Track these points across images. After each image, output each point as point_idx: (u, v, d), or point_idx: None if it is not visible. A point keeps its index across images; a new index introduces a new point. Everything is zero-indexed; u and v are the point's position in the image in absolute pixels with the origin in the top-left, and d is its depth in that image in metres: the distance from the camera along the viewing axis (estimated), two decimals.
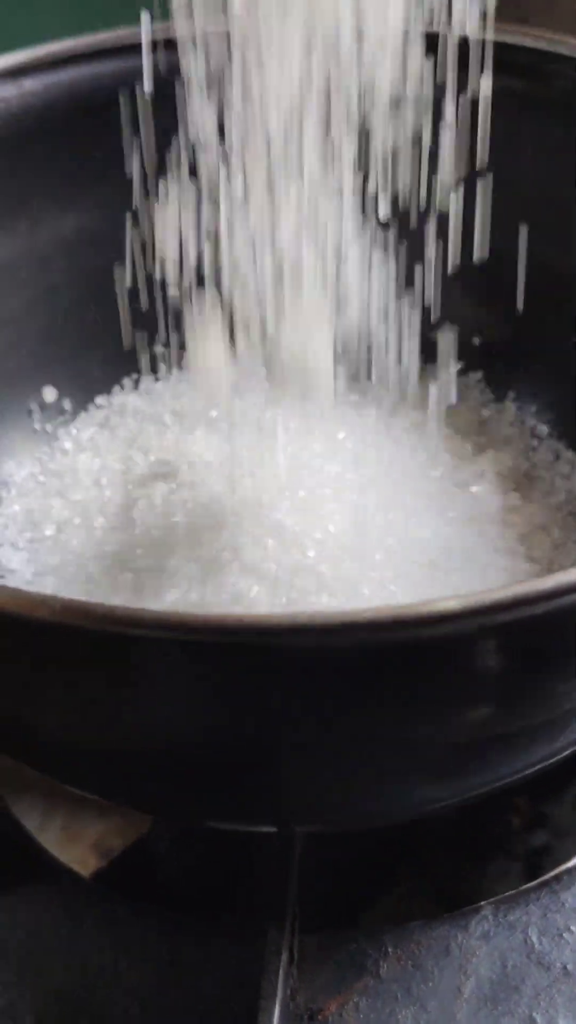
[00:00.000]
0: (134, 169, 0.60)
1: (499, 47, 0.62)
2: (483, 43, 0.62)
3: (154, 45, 0.64)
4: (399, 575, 0.53)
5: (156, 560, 0.55)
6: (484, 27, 0.61)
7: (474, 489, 0.61)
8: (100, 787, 0.51)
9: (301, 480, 0.55)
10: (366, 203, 0.53)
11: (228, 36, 0.48)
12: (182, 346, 0.57)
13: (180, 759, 0.42)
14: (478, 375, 0.69)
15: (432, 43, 0.51)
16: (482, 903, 0.54)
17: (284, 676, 0.37)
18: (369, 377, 0.57)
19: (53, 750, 0.46)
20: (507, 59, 0.63)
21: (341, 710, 0.39)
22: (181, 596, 0.53)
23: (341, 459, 0.57)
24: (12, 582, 0.59)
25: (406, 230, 0.56)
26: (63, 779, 0.52)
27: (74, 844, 0.61)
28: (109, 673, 0.38)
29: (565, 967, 0.52)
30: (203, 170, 0.52)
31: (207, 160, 0.52)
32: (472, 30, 0.61)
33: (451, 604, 0.35)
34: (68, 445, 0.68)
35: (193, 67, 0.51)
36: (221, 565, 0.53)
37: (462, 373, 0.69)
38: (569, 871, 0.55)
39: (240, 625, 0.35)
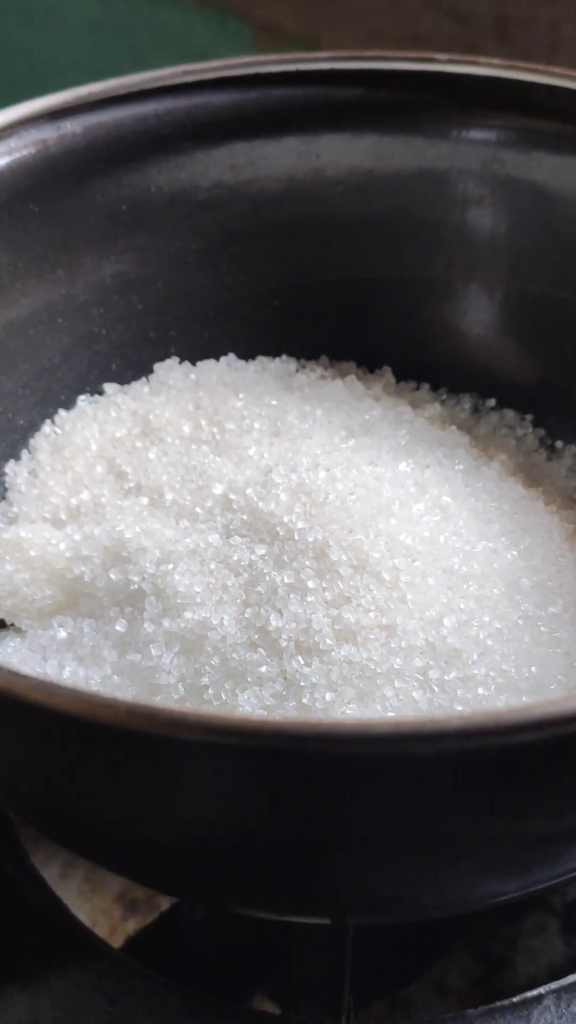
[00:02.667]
0: None
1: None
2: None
3: (187, 87, 0.63)
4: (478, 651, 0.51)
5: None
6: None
7: None
8: (157, 881, 0.49)
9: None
10: None
11: None
12: None
13: (243, 856, 0.40)
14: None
15: None
16: (542, 990, 0.51)
17: (361, 782, 0.35)
18: None
19: (108, 844, 0.44)
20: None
21: (415, 814, 0.37)
22: (255, 697, 0.50)
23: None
24: None
25: None
26: (114, 869, 0.50)
27: (96, 896, 0.60)
28: (174, 776, 0.36)
29: None
30: None
31: None
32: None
33: (547, 710, 0.33)
34: None
35: None
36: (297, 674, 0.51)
37: None
38: None
39: (323, 733, 0.33)
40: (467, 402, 0.67)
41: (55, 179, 0.62)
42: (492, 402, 0.67)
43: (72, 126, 0.62)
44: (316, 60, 0.64)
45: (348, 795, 0.36)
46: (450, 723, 0.32)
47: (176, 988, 0.52)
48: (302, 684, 0.50)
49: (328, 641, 0.51)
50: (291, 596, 0.52)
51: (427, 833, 0.38)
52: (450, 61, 0.62)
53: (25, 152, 0.61)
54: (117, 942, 0.60)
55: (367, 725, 0.33)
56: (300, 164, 0.66)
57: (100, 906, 0.62)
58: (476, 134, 0.64)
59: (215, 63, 0.63)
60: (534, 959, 0.61)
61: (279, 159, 0.65)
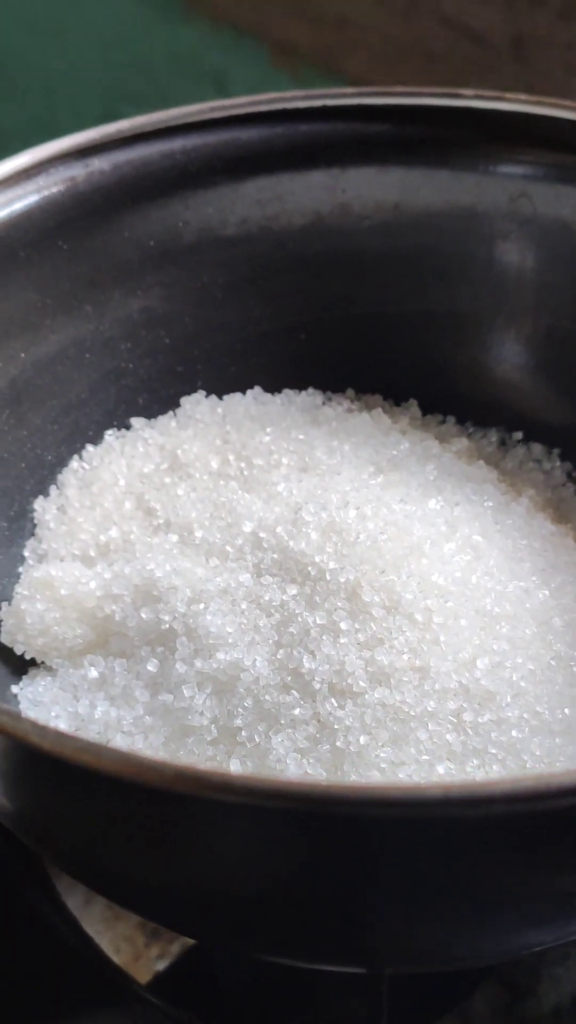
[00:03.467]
0: None
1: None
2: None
3: (214, 123, 0.63)
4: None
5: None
6: None
7: None
8: (196, 931, 0.50)
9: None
10: None
11: None
12: None
13: (284, 910, 0.40)
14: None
15: None
16: None
17: (407, 843, 0.35)
18: None
19: (145, 895, 0.44)
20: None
21: (459, 871, 0.37)
22: (288, 740, 0.50)
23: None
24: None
25: None
26: (149, 917, 0.50)
27: (119, 923, 0.59)
28: (220, 836, 0.36)
29: None
30: None
31: None
32: None
33: None
34: None
35: None
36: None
37: None
38: None
39: (373, 798, 0.33)
40: (494, 435, 0.67)
41: (84, 216, 0.62)
42: (519, 435, 0.67)
43: (100, 163, 0.62)
44: (343, 96, 0.64)
45: (393, 854, 0.36)
46: (498, 787, 0.32)
47: None
48: (336, 727, 0.50)
49: (362, 683, 0.51)
50: (324, 637, 0.52)
51: (470, 890, 0.38)
52: (477, 96, 0.62)
53: (55, 190, 0.61)
54: (140, 970, 0.60)
55: (418, 792, 0.33)
56: (326, 199, 0.66)
57: (123, 933, 0.61)
58: (503, 169, 0.64)
59: (242, 99, 0.63)
60: (557, 987, 0.61)
61: (305, 194, 0.66)
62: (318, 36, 0.97)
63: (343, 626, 0.52)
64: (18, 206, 0.60)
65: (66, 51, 1.15)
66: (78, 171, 0.61)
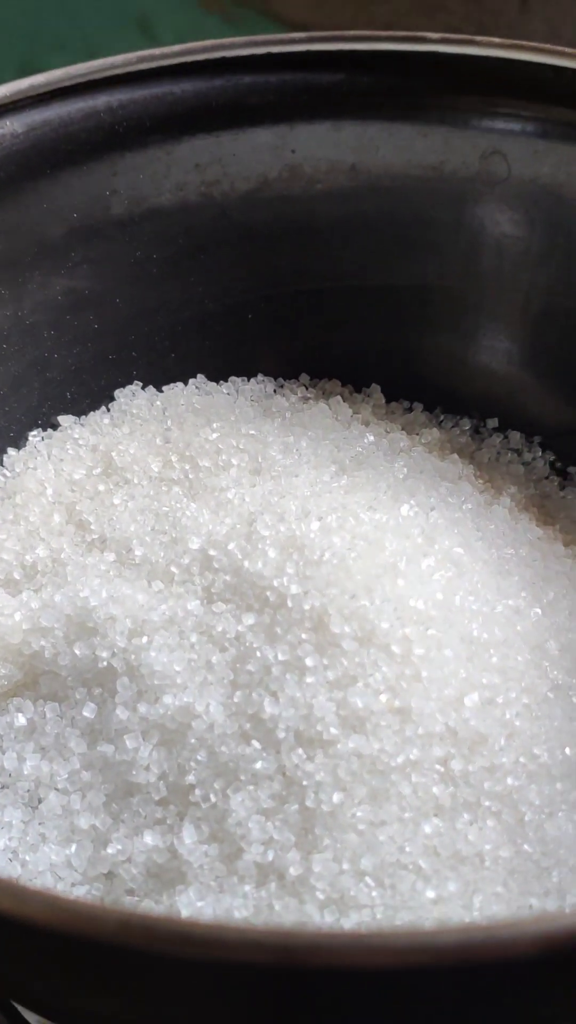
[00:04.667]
0: None
1: None
2: None
3: (144, 75, 0.56)
4: None
5: None
6: None
7: None
8: None
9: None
10: None
11: None
12: None
13: None
14: None
15: None
16: None
17: (401, 994, 0.28)
18: None
19: None
20: None
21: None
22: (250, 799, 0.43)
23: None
24: None
25: None
26: None
27: None
28: (179, 992, 0.29)
29: None
30: None
31: None
32: None
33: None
34: None
35: None
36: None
37: None
38: None
39: (368, 947, 0.25)
40: (467, 424, 0.60)
41: None
42: (494, 422, 0.60)
43: (13, 124, 0.54)
44: (290, 43, 0.56)
45: (387, 1007, 0.29)
46: (528, 928, 0.25)
47: None
48: (305, 783, 0.44)
49: (333, 731, 0.44)
50: (287, 676, 0.45)
51: None
52: (443, 41, 0.55)
53: None
54: None
55: (423, 937, 0.26)
56: (273, 160, 0.59)
57: None
58: (474, 123, 0.57)
59: (175, 47, 0.56)
60: None
61: (250, 155, 0.58)
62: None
63: (309, 662, 0.45)
64: None
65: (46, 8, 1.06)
66: None
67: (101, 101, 0.56)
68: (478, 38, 0.55)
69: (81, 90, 0.55)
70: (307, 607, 0.46)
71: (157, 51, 0.56)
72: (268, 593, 0.47)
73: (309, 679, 0.45)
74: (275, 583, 0.47)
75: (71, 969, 0.30)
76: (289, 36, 0.56)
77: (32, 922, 0.27)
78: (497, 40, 0.55)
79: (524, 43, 0.54)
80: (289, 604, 0.47)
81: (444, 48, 0.55)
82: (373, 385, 0.61)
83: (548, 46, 0.54)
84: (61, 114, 0.55)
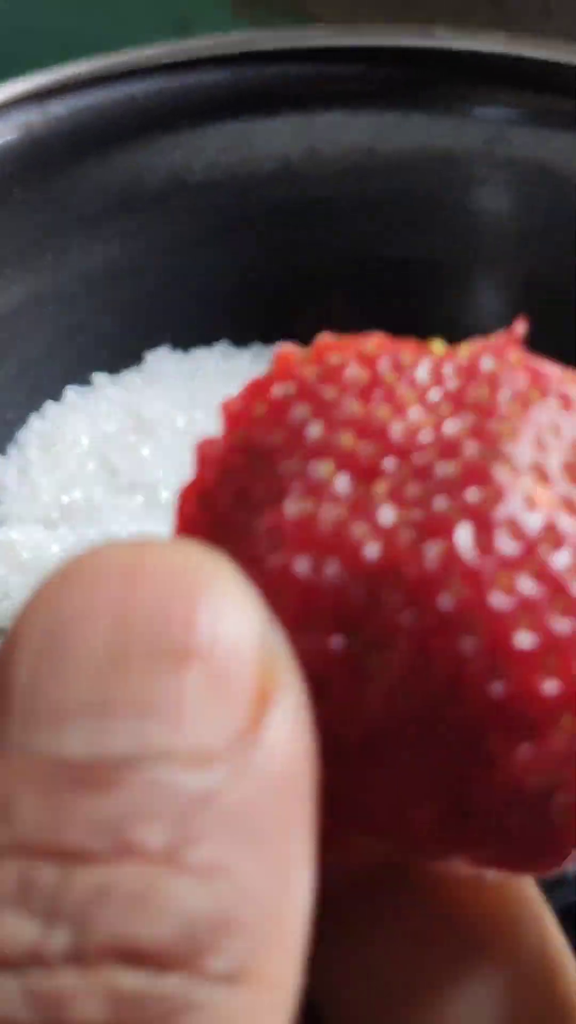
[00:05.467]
0: None
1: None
2: None
3: (178, 65, 0.61)
4: None
5: None
6: None
7: None
8: None
9: None
10: None
11: None
12: None
13: None
14: None
15: None
16: None
17: None
18: None
19: None
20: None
21: None
22: None
23: None
24: None
25: None
26: None
27: None
28: None
29: None
30: None
31: None
32: None
33: None
34: None
35: None
36: None
37: None
38: None
39: None
40: None
41: (41, 163, 0.59)
42: None
43: (58, 108, 0.59)
44: (312, 36, 0.61)
45: None
46: None
47: None
48: None
49: None
50: None
51: None
52: (453, 36, 0.60)
53: (10, 137, 0.58)
54: None
55: None
56: (295, 143, 0.63)
57: None
58: (480, 111, 0.61)
59: (207, 40, 0.61)
60: None
61: (274, 138, 0.63)
62: None
63: None
64: None
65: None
66: (35, 116, 0.59)
67: (139, 88, 0.61)
68: (486, 33, 0.60)
69: (121, 77, 0.60)
70: None
71: (190, 44, 0.61)
72: None
73: None
74: None
75: None
76: (311, 31, 0.61)
77: None
78: (501, 36, 0.59)
79: (524, 38, 0.59)
80: None
81: (452, 43, 0.60)
82: None
83: (546, 41, 0.59)
84: (102, 99, 0.60)
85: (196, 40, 0.61)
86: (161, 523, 0.55)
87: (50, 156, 0.60)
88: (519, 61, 0.60)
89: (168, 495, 0.56)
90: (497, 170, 0.62)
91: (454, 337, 0.64)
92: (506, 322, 0.61)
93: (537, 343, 0.61)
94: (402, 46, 0.61)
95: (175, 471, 0.57)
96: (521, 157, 0.61)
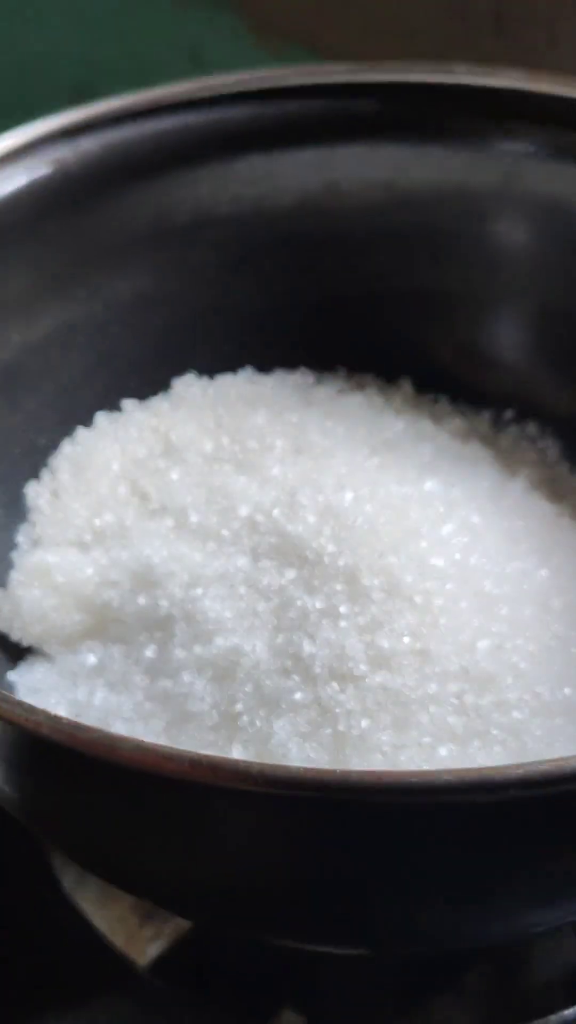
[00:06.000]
0: None
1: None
2: None
3: (203, 101, 0.63)
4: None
5: None
6: None
7: None
8: (192, 911, 0.50)
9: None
10: None
11: None
12: None
13: (286, 894, 0.40)
14: None
15: None
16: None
17: (420, 828, 0.36)
18: None
19: (152, 881, 0.45)
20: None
21: (469, 855, 0.37)
22: (290, 724, 0.50)
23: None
24: None
25: None
26: (146, 898, 0.51)
27: (112, 904, 0.60)
28: (232, 824, 0.37)
29: None
30: None
31: None
32: None
33: None
34: None
35: None
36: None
37: None
38: None
39: (389, 785, 0.33)
40: (487, 414, 0.67)
41: (73, 197, 0.61)
42: (510, 413, 0.67)
43: (89, 143, 0.61)
44: (333, 73, 0.63)
45: (405, 838, 0.36)
46: (512, 774, 0.33)
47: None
48: (337, 711, 0.50)
49: (362, 667, 0.51)
50: (323, 622, 0.52)
51: (480, 873, 0.38)
52: (469, 72, 0.62)
53: (44, 171, 0.60)
54: (135, 953, 0.60)
55: (431, 777, 0.33)
56: (316, 177, 0.65)
57: (116, 914, 0.61)
58: (495, 146, 0.63)
59: (231, 78, 0.63)
60: (549, 961, 0.61)
61: (295, 173, 0.65)
62: (297, 10, 0.96)
63: (343, 610, 0.52)
64: (7, 188, 0.60)
65: (40, 29, 1.13)
66: (67, 152, 0.61)
67: (167, 123, 0.63)
68: (500, 70, 0.62)
69: (149, 113, 0.62)
70: (341, 563, 0.53)
71: (215, 80, 0.63)
72: (307, 552, 0.54)
73: (342, 623, 0.52)
74: (313, 543, 0.54)
75: (149, 805, 0.37)
76: (331, 67, 0.63)
77: (127, 765, 0.34)
78: (516, 72, 0.61)
79: (540, 74, 0.61)
80: (326, 561, 0.53)
81: (469, 80, 0.62)
82: (403, 378, 0.68)
83: (561, 77, 0.61)
84: (131, 134, 0.62)
85: (219, 77, 0.63)
86: (192, 546, 0.56)
87: (81, 190, 0.62)
88: (534, 97, 0.62)
89: (198, 518, 0.58)
90: (512, 203, 0.64)
91: (469, 366, 0.67)
92: (520, 352, 0.64)
93: (551, 373, 0.64)
94: (419, 82, 0.63)
95: (204, 495, 0.59)
96: (535, 191, 0.63)
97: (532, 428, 0.66)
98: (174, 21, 1.00)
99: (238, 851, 0.38)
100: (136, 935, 0.60)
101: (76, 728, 0.36)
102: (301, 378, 0.67)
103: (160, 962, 0.58)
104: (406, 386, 0.67)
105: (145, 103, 0.62)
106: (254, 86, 0.63)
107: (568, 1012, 0.54)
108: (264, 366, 0.67)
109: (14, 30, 1.13)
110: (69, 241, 0.62)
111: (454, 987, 0.56)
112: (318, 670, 0.51)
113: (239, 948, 0.57)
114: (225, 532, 0.57)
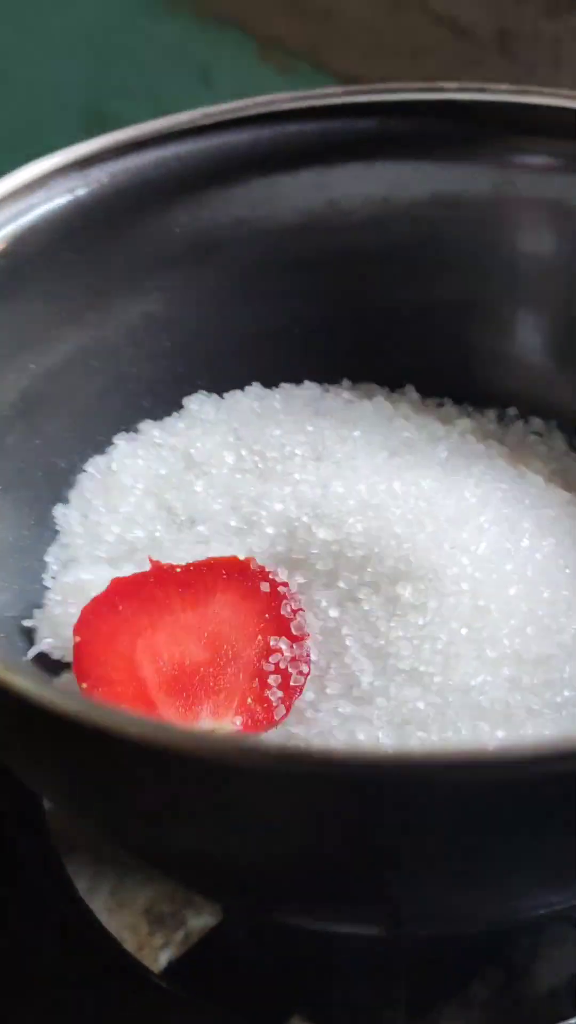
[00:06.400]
0: None
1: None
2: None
3: (206, 128, 0.65)
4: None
5: None
6: None
7: None
8: (210, 887, 0.52)
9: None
10: None
11: None
12: None
13: (314, 870, 0.42)
14: None
15: None
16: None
17: (448, 805, 0.37)
18: None
19: (173, 856, 0.46)
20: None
21: (497, 835, 0.39)
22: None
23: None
24: None
25: None
26: (166, 872, 0.52)
27: (123, 910, 0.60)
28: (259, 802, 0.38)
29: None
30: None
31: None
32: None
33: None
34: None
35: None
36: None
37: None
38: None
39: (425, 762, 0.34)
40: (492, 414, 0.69)
41: (86, 227, 0.63)
42: (514, 411, 0.69)
43: (99, 174, 0.63)
44: (330, 95, 0.65)
45: (440, 814, 0.38)
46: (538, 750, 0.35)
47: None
48: (404, 710, 0.52)
49: (423, 667, 0.52)
50: (379, 619, 0.53)
51: (506, 853, 0.40)
52: (460, 89, 0.64)
53: (58, 202, 0.62)
54: (147, 959, 0.61)
55: (466, 755, 0.35)
56: (316, 196, 0.67)
57: (127, 921, 0.62)
58: (485, 158, 0.66)
59: (232, 104, 0.65)
60: (554, 968, 0.62)
61: (296, 193, 0.67)
62: (303, 30, 0.96)
63: (394, 607, 0.53)
64: (23, 220, 0.61)
65: (48, 49, 1.12)
66: (79, 183, 0.62)
67: (171, 151, 0.64)
68: (489, 85, 0.64)
69: (154, 143, 0.64)
70: (386, 560, 0.55)
71: (217, 108, 0.65)
72: (347, 552, 0.55)
73: (393, 623, 0.53)
74: (351, 541, 0.56)
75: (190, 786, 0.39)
76: (328, 90, 0.66)
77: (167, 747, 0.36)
78: (504, 87, 0.64)
79: (527, 88, 0.63)
80: (367, 558, 0.55)
81: (459, 96, 0.65)
82: (408, 385, 0.70)
83: (547, 89, 0.64)
84: (138, 163, 0.64)
85: (222, 104, 0.65)
86: (226, 551, 0.58)
87: (94, 220, 0.63)
88: (519, 108, 0.64)
89: (231, 523, 0.59)
90: (507, 211, 0.66)
91: (471, 375, 0.69)
92: (522, 352, 0.66)
93: (553, 373, 0.66)
94: (412, 100, 0.65)
95: (231, 503, 0.60)
96: (529, 198, 0.66)
97: (537, 423, 0.68)
98: (183, 42, 1.01)
99: (264, 828, 0.40)
100: (147, 942, 0.61)
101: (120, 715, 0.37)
102: (307, 391, 0.69)
103: (171, 968, 0.59)
104: (411, 392, 0.69)
105: (150, 133, 0.64)
106: (253, 111, 0.65)
107: (574, 1020, 0.55)
108: (269, 381, 0.69)
109: (27, 54, 1.13)
110: (83, 269, 0.63)
111: (462, 995, 0.57)
112: (377, 667, 0.52)
113: (250, 955, 0.58)
114: (258, 535, 0.58)
